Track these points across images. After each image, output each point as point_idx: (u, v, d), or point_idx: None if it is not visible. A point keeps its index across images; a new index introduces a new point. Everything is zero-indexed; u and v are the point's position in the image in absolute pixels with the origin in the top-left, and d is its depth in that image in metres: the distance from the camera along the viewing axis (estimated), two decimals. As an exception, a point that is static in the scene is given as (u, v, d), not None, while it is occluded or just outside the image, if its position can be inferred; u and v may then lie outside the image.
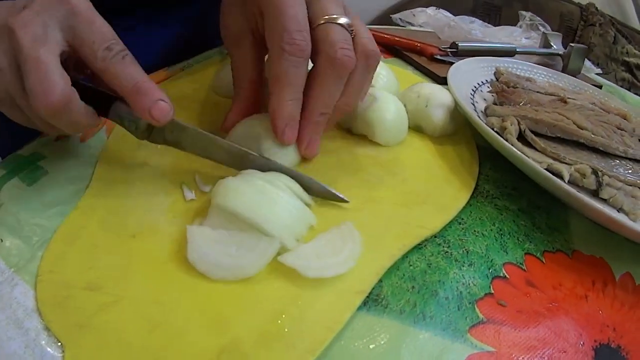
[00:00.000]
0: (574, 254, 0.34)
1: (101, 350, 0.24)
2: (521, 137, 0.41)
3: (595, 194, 0.38)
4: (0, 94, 0.31)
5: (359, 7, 1.22)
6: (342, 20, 0.33)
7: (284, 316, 0.25)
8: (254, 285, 0.27)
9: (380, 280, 0.29)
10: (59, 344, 0.25)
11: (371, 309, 0.27)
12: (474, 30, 0.70)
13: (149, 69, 0.40)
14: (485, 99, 0.50)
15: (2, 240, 0.31)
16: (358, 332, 0.26)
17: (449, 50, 0.63)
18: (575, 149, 0.42)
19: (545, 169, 0.38)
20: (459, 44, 0.62)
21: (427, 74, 0.59)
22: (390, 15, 0.80)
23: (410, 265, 0.30)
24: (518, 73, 0.55)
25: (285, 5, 0.31)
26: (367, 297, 0.28)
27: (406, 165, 0.39)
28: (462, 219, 0.35)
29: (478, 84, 0.52)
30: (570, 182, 0.38)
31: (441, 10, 0.74)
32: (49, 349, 0.25)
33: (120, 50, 0.30)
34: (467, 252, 0.32)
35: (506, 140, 0.40)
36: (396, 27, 0.79)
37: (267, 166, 0.33)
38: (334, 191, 0.33)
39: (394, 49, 0.65)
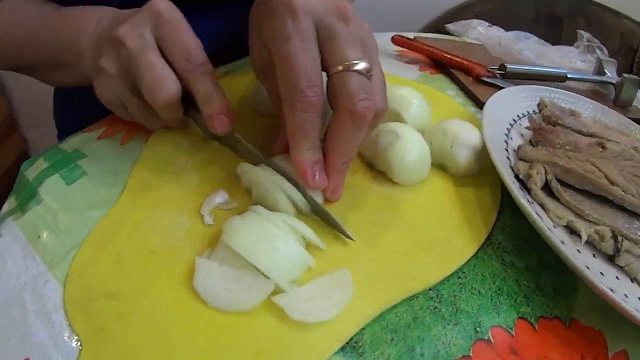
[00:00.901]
0: (572, 323, 0.33)
1: (114, 354, 0.28)
2: (548, 186, 0.40)
3: (612, 259, 0.37)
4: (110, 96, 0.38)
5: (414, 12, 1.20)
6: (361, 66, 0.32)
7: (267, 352, 0.28)
8: (248, 319, 0.30)
9: (363, 328, 0.30)
10: (78, 342, 0.29)
11: (347, 354, 0.29)
12: (525, 50, 0.66)
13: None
14: (522, 135, 0.48)
15: (39, 236, 0.35)
16: None
17: (497, 71, 0.60)
18: (602, 204, 0.40)
19: (565, 226, 0.38)
20: (507, 66, 0.59)
21: (470, 96, 0.58)
22: (445, 25, 0.78)
23: (397, 317, 0.31)
24: (563, 105, 0.52)
25: (295, 57, 0.31)
26: (347, 342, 0.29)
27: (420, 208, 0.39)
28: (463, 272, 0.35)
29: (519, 115, 0.50)
30: (588, 243, 0.37)
31: (493, 27, 0.71)
32: (70, 344, 0.29)
33: (199, 63, 0.35)
34: (457, 309, 0.32)
35: (529, 190, 0.40)
36: (448, 37, 0.77)
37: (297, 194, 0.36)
38: (344, 229, 0.35)
39: (442, 64, 0.64)
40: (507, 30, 0.73)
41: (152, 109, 0.37)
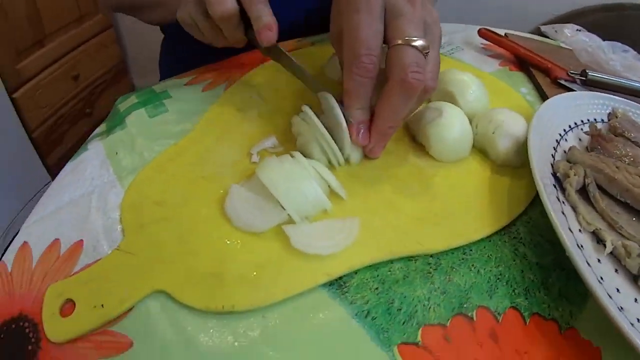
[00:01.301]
0: (569, 331, 0.32)
1: (145, 245, 0.33)
2: (585, 190, 0.39)
3: (636, 279, 0.35)
4: (186, 17, 0.45)
5: (526, 13, 1.15)
6: (418, 43, 0.34)
7: (260, 268, 0.32)
8: (258, 239, 0.34)
9: (355, 272, 0.33)
10: (122, 232, 0.35)
11: (331, 290, 0.32)
12: (613, 61, 0.61)
13: (292, 25, 0.52)
14: (580, 140, 0.47)
15: (117, 153, 0.43)
16: (306, 303, 0.31)
17: (577, 77, 0.57)
18: (640, 221, 0.38)
19: (592, 232, 0.37)
20: (589, 73, 0.56)
21: (543, 97, 0.56)
22: (540, 27, 0.74)
23: (389, 271, 0.33)
24: (636, 119, 0.49)
25: (359, 29, 0.35)
26: (336, 280, 0.32)
27: (447, 185, 0.40)
28: (471, 250, 0.36)
29: (582, 120, 0.48)
30: (613, 255, 0.36)
31: (583, 33, 0.66)
32: (116, 234, 0.35)
33: None
34: (450, 280, 0.33)
35: (564, 190, 0.39)
36: (541, 39, 0.73)
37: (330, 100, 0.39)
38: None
39: (524, 63, 0.62)
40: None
41: (218, 27, 0.44)
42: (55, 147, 1.50)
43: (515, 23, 1.17)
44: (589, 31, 0.69)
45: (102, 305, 0.29)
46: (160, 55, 0.85)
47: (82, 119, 1.59)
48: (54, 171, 1.49)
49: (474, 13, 1.24)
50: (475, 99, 0.46)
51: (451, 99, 0.46)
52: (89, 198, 0.38)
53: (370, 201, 0.38)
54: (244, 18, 0.43)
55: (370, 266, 0.33)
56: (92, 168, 0.41)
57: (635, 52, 0.65)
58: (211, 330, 0.29)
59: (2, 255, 0.34)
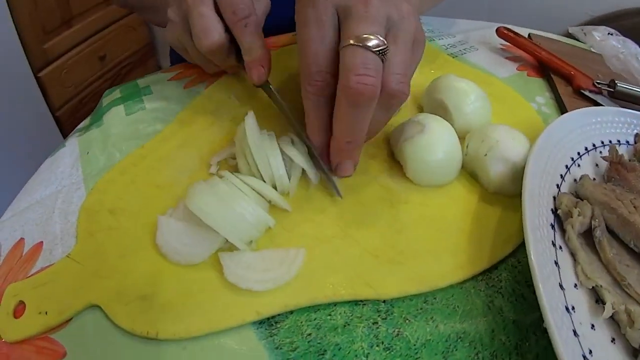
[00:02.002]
0: None
1: (92, 254, 0.32)
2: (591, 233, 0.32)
3: (635, 353, 0.28)
4: (174, 41, 0.43)
5: (566, 9, 1.05)
6: (372, 42, 0.29)
7: (190, 297, 0.29)
8: (195, 268, 0.31)
9: (292, 312, 0.29)
10: (76, 239, 0.34)
11: (260, 329, 0.28)
12: None
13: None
14: (597, 165, 0.39)
15: (88, 153, 0.41)
16: (231, 339, 0.28)
17: (604, 87, 0.49)
18: (659, 279, 0.31)
19: (592, 288, 0.30)
20: (618, 84, 0.48)
21: (561, 108, 0.49)
22: (568, 27, 0.66)
23: (329, 315, 0.29)
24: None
25: (307, 44, 0.31)
26: (267, 318, 0.29)
27: (421, 214, 0.34)
28: (434, 298, 0.30)
29: (603, 142, 0.41)
30: (613, 320, 0.29)
31: (615, 37, 0.57)
32: (71, 240, 0.34)
33: (243, 16, 0.37)
34: (398, 334, 0.28)
35: (563, 231, 0.33)
36: (569, 41, 0.65)
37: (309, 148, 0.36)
38: (335, 182, 0.35)
39: (546, 67, 0.54)
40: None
41: None
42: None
43: (548, 22, 1.09)
44: (625, 35, 0.60)
45: (46, 313, 0.29)
46: None
47: (107, 100, 1.61)
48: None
49: (504, 11, 1.16)
50: (472, 111, 0.39)
51: (444, 110, 0.40)
52: (55, 198, 0.37)
53: (322, 228, 0.33)
54: (235, 44, 0.40)
55: (309, 307, 0.29)
56: (64, 167, 0.41)
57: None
58: (136, 353, 0.28)
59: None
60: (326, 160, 0.35)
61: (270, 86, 0.41)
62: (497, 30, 0.58)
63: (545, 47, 0.56)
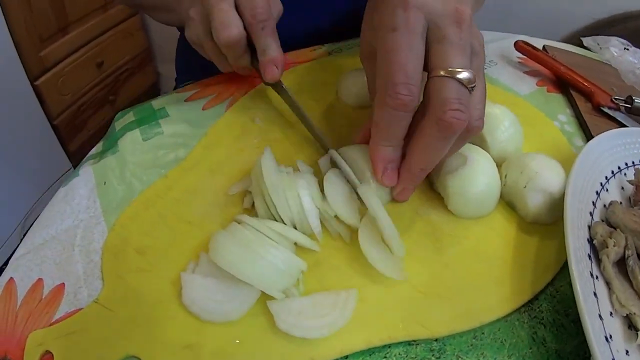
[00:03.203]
0: None
1: (124, 300, 0.31)
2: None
3: None
4: (193, 38, 0.44)
5: (571, 12, 1.07)
6: (463, 75, 0.29)
7: (239, 345, 0.29)
8: (231, 326, 0.30)
9: (346, 357, 0.29)
10: (102, 282, 0.33)
11: None
12: None
13: (307, 31, 0.52)
14: (622, 189, 0.40)
15: (105, 183, 0.40)
16: None
17: (622, 104, 0.51)
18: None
19: (626, 315, 0.32)
20: (635, 99, 0.50)
21: (583, 126, 0.50)
22: (581, 38, 0.67)
23: (385, 357, 0.29)
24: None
25: (395, 52, 0.30)
26: None
27: (464, 248, 0.35)
28: (483, 333, 0.31)
29: (627, 164, 0.42)
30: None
31: (630, 50, 0.58)
32: (96, 282, 0.33)
33: (262, 19, 0.40)
34: None
35: (599, 260, 0.34)
36: (584, 52, 0.66)
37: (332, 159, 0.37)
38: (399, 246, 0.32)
39: (564, 82, 0.55)
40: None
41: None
42: (77, 133, 1.50)
43: (553, 25, 1.11)
44: (630, 39, 0.61)
45: None
46: (177, 47, 0.82)
47: (105, 106, 1.60)
48: (75, 158, 1.51)
49: (512, 13, 1.17)
50: (507, 139, 0.40)
51: (479, 138, 0.40)
52: (73, 234, 0.36)
53: (370, 266, 0.33)
54: (251, 46, 0.42)
55: (363, 351, 0.29)
56: (79, 198, 0.39)
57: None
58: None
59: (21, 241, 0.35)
60: (389, 178, 0.34)
61: (283, 85, 0.43)
62: (515, 44, 0.59)
63: (561, 60, 0.57)
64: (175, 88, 0.77)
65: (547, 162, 0.37)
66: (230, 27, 0.39)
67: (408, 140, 0.33)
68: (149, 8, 0.55)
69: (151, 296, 0.31)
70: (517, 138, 0.41)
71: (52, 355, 0.29)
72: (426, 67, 0.31)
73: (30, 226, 0.38)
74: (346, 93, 0.47)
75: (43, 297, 0.32)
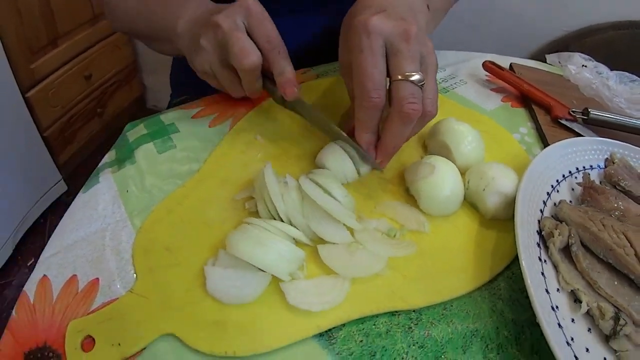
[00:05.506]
0: None
1: (156, 289, 0.38)
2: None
3: (607, 339, 0.38)
4: (205, 68, 0.50)
5: (541, 25, 1.17)
6: (414, 77, 0.40)
7: (259, 319, 0.37)
8: (250, 306, 0.38)
9: (344, 325, 0.38)
10: (135, 275, 0.40)
11: (321, 341, 0.37)
12: (617, 98, 0.64)
13: (298, 49, 0.56)
14: (572, 190, 0.50)
15: (127, 190, 0.47)
16: (300, 351, 0.36)
17: (579, 116, 0.60)
18: (622, 281, 0.41)
19: (571, 291, 0.41)
20: (591, 112, 0.59)
21: (542, 137, 0.59)
22: (545, 55, 0.77)
23: (374, 325, 0.38)
24: (634, 164, 0.52)
25: (365, 68, 0.41)
26: (325, 331, 0.37)
27: (435, 239, 0.44)
28: (451, 305, 0.40)
29: (578, 168, 0.51)
30: (589, 315, 0.40)
31: (588, 68, 0.69)
32: (130, 274, 0.40)
33: (276, 45, 0.47)
34: (428, 335, 0.38)
35: (547, 248, 0.43)
36: (549, 68, 0.76)
37: (347, 141, 0.47)
38: (374, 162, 0.46)
39: (528, 99, 0.65)
40: (616, 68, 0.71)
41: (237, 78, 0.49)
42: (67, 146, 1.56)
43: (524, 38, 1.21)
44: (599, 49, 0.71)
45: (119, 344, 0.34)
46: (172, 64, 0.89)
47: (94, 119, 1.66)
48: (64, 169, 1.56)
49: (487, 24, 1.26)
50: (470, 151, 0.49)
51: (447, 150, 0.50)
52: (102, 235, 0.43)
53: None
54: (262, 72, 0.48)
55: (356, 319, 0.38)
56: (104, 204, 0.46)
57: (643, 82, 0.68)
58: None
59: (14, 250, 0.40)
60: (371, 154, 0.45)
61: (302, 98, 0.50)
62: (483, 64, 0.69)
63: (526, 77, 0.67)
64: (169, 103, 0.84)
65: (502, 170, 0.47)
66: (251, 53, 0.45)
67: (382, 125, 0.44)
68: (145, 37, 0.62)
69: (181, 285, 0.39)
70: (479, 150, 0.50)
71: (93, 339, 0.34)
72: (389, 74, 0.42)
73: (25, 233, 0.45)
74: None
75: (79, 290, 0.38)
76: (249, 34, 0.47)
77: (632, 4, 1.11)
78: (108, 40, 1.62)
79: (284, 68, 0.47)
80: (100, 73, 1.63)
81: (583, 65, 0.69)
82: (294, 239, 0.41)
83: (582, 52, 0.75)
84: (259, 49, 0.46)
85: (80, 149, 1.62)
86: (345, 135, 0.47)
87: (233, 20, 0.46)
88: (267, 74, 0.50)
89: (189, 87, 0.64)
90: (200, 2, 0.54)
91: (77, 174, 1.64)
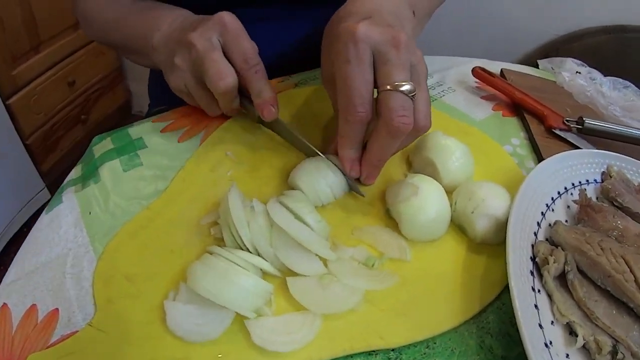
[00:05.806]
0: None
1: (116, 322, 0.36)
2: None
3: None
4: (180, 86, 0.48)
5: (532, 29, 1.15)
6: (405, 87, 0.38)
7: (223, 357, 0.34)
8: (213, 344, 0.35)
9: (313, 365, 0.34)
10: (95, 306, 0.37)
11: None
12: (612, 105, 0.61)
13: (270, 58, 0.53)
14: (568, 207, 0.47)
15: (90, 212, 0.44)
16: None
17: (573, 125, 0.57)
18: (620, 310, 0.38)
19: (566, 323, 0.38)
20: (586, 121, 0.56)
21: (535, 149, 0.56)
22: (538, 60, 0.74)
23: (347, 367, 0.35)
24: (631, 176, 0.49)
25: (351, 80, 0.38)
26: None
27: (418, 268, 0.41)
28: (435, 342, 0.36)
29: (573, 184, 0.48)
30: (585, 349, 0.36)
31: (582, 74, 0.66)
32: (89, 306, 0.37)
33: (254, 64, 0.45)
34: None
35: (541, 275, 0.40)
36: (541, 73, 0.73)
37: (327, 163, 0.44)
38: (356, 186, 0.44)
39: (520, 107, 0.62)
40: (606, 72, 0.68)
41: (213, 98, 0.47)
42: (50, 153, 1.53)
43: (515, 43, 1.20)
44: (589, 53, 0.69)
45: None
46: (150, 74, 0.85)
47: (77, 125, 1.63)
48: (48, 177, 1.53)
49: (475, 28, 1.24)
50: (457, 168, 0.45)
51: (432, 168, 0.46)
52: (63, 261, 0.40)
53: None
54: (239, 89, 0.46)
55: (328, 361, 0.35)
56: (66, 226, 0.43)
57: (636, 88, 0.65)
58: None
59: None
60: (355, 171, 0.43)
61: (280, 118, 0.48)
62: (472, 70, 0.65)
63: (517, 84, 0.64)
64: (147, 113, 0.81)
65: (493, 189, 0.43)
66: (226, 76, 0.43)
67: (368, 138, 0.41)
68: (121, 48, 0.59)
69: (141, 319, 0.36)
70: (467, 167, 0.46)
71: None
72: (376, 84, 0.39)
73: (7, 242, 0.42)
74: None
75: (38, 321, 0.36)
76: (224, 51, 0.45)
77: (621, 8, 1.11)
78: (92, 46, 1.59)
79: (262, 88, 0.46)
80: (84, 79, 1.60)
81: (577, 72, 0.66)
82: (261, 269, 0.38)
83: (571, 57, 0.71)
84: (235, 67, 0.45)
85: (63, 156, 1.59)
86: (324, 157, 0.44)
87: (208, 39, 0.44)
88: (244, 92, 0.48)
89: (166, 98, 0.61)
90: (177, 14, 0.51)
91: (61, 182, 1.59)
